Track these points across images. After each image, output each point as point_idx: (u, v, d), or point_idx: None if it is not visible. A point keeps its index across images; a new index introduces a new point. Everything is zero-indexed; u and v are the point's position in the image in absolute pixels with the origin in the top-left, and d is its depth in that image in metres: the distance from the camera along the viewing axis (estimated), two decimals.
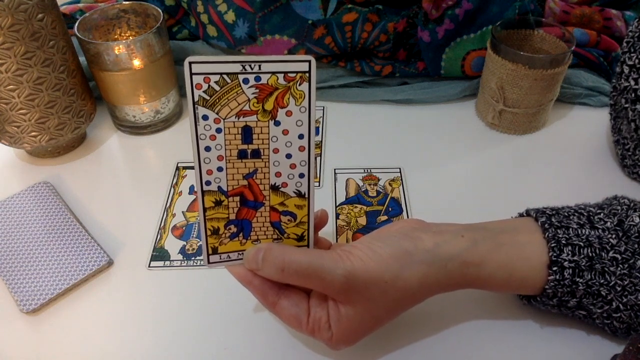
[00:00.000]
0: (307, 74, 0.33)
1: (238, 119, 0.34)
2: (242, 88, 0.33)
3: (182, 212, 0.53)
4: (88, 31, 0.60)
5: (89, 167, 0.59)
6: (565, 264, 0.37)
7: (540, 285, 0.38)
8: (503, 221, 0.42)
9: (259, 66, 0.32)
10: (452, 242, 0.38)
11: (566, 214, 0.40)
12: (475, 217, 0.52)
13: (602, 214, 0.39)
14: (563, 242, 0.38)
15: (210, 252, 0.37)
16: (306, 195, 0.36)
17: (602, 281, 0.37)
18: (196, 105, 0.33)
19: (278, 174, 0.35)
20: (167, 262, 0.49)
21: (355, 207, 0.53)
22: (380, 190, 0.55)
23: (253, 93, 0.33)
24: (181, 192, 0.56)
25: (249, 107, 0.33)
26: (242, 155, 0.34)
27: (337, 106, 0.66)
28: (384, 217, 0.52)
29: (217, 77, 0.32)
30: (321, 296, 0.37)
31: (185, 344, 0.43)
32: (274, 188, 0.36)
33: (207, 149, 0.34)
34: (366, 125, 0.64)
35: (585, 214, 0.39)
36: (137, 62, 0.57)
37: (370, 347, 0.42)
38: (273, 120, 0.34)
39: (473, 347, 0.42)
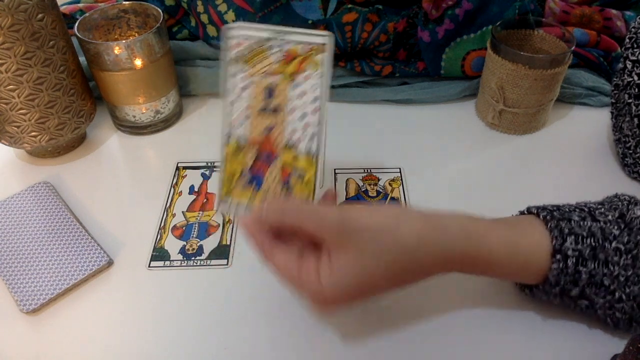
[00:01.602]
0: (325, 46, 0.40)
1: (264, 78, 0.40)
2: (270, 52, 0.39)
3: (182, 212, 0.53)
4: (88, 31, 0.60)
5: (89, 167, 0.59)
6: (569, 252, 0.37)
7: (543, 272, 0.38)
8: (503, 217, 0.42)
9: (285, 35, 0.39)
10: (454, 215, 0.38)
11: (567, 209, 0.40)
12: None
13: (602, 209, 0.39)
14: (566, 231, 0.38)
15: (222, 197, 0.41)
16: (315, 156, 0.40)
17: (605, 271, 0.37)
18: (229, 63, 0.39)
19: (292, 132, 0.40)
20: (167, 262, 0.49)
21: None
22: (380, 190, 0.55)
23: (278, 57, 0.39)
24: (181, 192, 0.56)
25: (274, 69, 0.40)
26: (263, 109, 0.40)
27: (337, 106, 0.66)
28: None
29: (249, 42, 0.39)
30: (316, 249, 0.37)
31: (185, 344, 0.43)
32: (288, 145, 0.40)
33: (234, 102, 0.40)
34: (366, 125, 0.64)
35: (586, 209, 0.40)
36: (137, 62, 0.57)
37: (367, 341, 0.42)
38: (293, 82, 0.39)
39: (474, 344, 0.42)
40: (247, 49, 0.39)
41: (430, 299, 0.45)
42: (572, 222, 0.38)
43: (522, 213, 0.43)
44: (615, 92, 0.54)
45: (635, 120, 0.51)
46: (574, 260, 0.37)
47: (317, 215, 0.36)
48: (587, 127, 0.62)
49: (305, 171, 0.40)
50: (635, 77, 0.50)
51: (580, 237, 0.37)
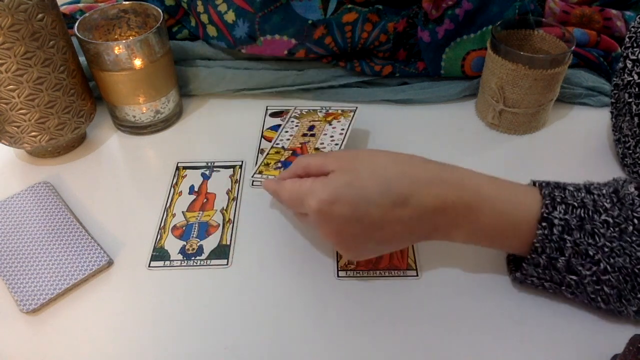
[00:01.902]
0: (353, 112, 0.59)
1: (309, 122, 0.59)
2: (317, 113, 0.61)
3: (182, 212, 0.53)
4: (88, 31, 0.60)
5: (89, 167, 0.59)
6: (555, 221, 0.38)
7: (529, 237, 0.39)
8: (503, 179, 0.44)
9: (330, 107, 0.62)
10: (454, 166, 0.43)
11: (564, 185, 0.41)
12: None
13: (598, 185, 0.41)
14: (558, 200, 0.39)
15: (257, 172, 0.55)
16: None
17: (590, 241, 0.38)
18: (291, 118, 0.61)
19: (322, 144, 0.55)
20: (167, 262, 0.49)
21: None
22: None
23: (323, 115, 0.60)
24: (181, 192, 0.56)
25: (318, 118, 0.60)
26: (305, 134, 0.57)
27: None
28: None
29: (306, 109, 0.63)
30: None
31: (185, 344, 0.43)
32: (317, 149, 0.55)
33: (285, 129, 0.59)
34: (366, 125, 0.64)
35: (582, 185, 0.41)
36: (137, 62, 0.57)
37: (368, 341, 0.42)
38: (329, 124, 0.58)
39: (473, 346, 0.42)
40: (303, 111, 0.62)
41: (429, 300, 0.45)
42: (567, 191, 0.40)
43: None
44: (615, 91, 0.54)
45: (636, 119, 0.51)
46: (560, 229, 0.38)
47: (323, 153, 0.43)
48: (587, 127, 0.62)
49: None
50: (636, 77, 0.50)
51: (570, 207, 0.39)
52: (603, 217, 0.38)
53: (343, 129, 0.56)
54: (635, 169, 0.54)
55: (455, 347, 0.42)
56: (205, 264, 0.49)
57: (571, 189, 0.40)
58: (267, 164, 0.54)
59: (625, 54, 0.51)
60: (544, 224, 0.39)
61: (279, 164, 0.54)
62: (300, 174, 0.45)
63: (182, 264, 0.49)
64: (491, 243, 0.42)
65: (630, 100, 0.51)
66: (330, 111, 0.58)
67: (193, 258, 0.49)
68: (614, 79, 0.54)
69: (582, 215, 0.38)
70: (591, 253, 0.38)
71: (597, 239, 0.38)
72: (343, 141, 0.54)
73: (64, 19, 0.55)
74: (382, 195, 0.39)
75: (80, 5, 0.70)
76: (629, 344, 0.37)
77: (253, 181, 0.55)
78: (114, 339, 0.43)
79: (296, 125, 0.57)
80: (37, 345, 0.43)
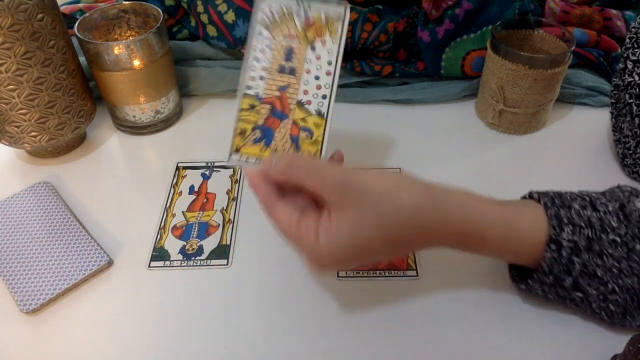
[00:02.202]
0: (343, 16, 0.44)
1: (285, 40, 0.44)
2: (293, 18, 0.44)
3: (182, 212, 0.53)
4: (88, 31, 0.60)
5: (89, 167, 0.59)
6: (564, 243, 0.38)
7: (537, 257, 0.39)
8: (506, 199, 0.43)
9: (309, 5, 0.44)
10: (452, 189, 0.39)
11: (569, 197, 0.40)
12: None
13: (603, 199, 0.40)
14: (565, 221, 0.38)
15: (233, 150, 0.43)
16: (325, 116, 0.43)
17: (599, 262, 0.37)
18: (257, 24, 0.43)
19: (305, 92, 0.43)
20: (167, 262, 0.49)
21: None
22: None
23: (300, 23, 0.44)
24: (181, 192, 0.56)
25: (296, 32, 0.44)
26: (281, 70, 0.43)
27: (337, 106, 0.66)
28: None
29: (277, 7, 0.44)
30: (317, 207, 0.39)
31: (185, 344, 0.43)
32: (300, 103, 0.43)
33: (256, 59, 0.43)
34: (366, 125, 0.64)
35: (587, 198, 0.40)
36: (137, 62, 0.57)
37: (367, 342, 0.42)
38: (310, 46, 0.43)
39: (473, 347, 0.42)
40: (275, 13, 0.44)
41: (429, 300, 0.45)
42: (572, 210, 0.39)
43: (524, 198, 0.43)
44: (615, 92, 0.54)
45: (636, 120, 0.51)
46: (569, 251, 0.38)
47: (321, 174, 0.37)
48: (587, 127, 0.62)
49: (314, 130, 0.42)
50: (636, 77, 0.50)
51: (578, 228, 0.38)
52: (611, 236, 0.37)
53: (331, 62, 0.43)
54: (635, 169, 0.54)
55: (455, 346, 0.42)
56: (205, 264, 0.48)
57: (577, 207, 0.39)
58: (243, 132, 0.43)
59: (625, 55, 0.51)
60: (552, 246, 0.38)
61: (257, 133, 0.43)
62: (290, 184, 0.40)
63: (182, 264, 0.49)
64: (495, 256, 0.42)
65: (631, 101, 0.51)
66: (310, 17, 0.44)
67: (193, 258, 0.49)
68: (614, 80, 0.54)
69: (590, 235, 0.37)
70: (599, 274, 0.37)
71: (606, 260, 0.37)
72: (331, 90, 0.43)
73: (64, 19, 0.55)
74: (387, 247, 0.38)
75: (80, 5, 0.70)
76: (629, 344, 0.37)
77: (230, 161, 0.44)
78: (114, 339, 0.43)
79: (267, 46, 0.43)
80: (37, 345, 0.43)
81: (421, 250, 0.40)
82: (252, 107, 0.43)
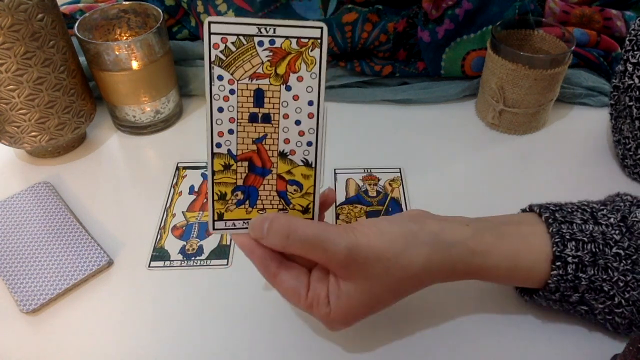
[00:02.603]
0: (319, 40, 0.34)
1: (251, 81, 0.34)
2: (257, 50, 0.34)
3: (182, 212, 0.53)
4: (88, 31, 0.60)
5: (89, 167, 0.59)
6: (569, 259, 0.37)
7: (544, 278, 0.38)
8: (506, 215, 0.42)
9: (274, 30, 0.33)
10: (457, 228, 0.38)
11: (569, 209, 0.40)
12: (476, 216, 0.52)
13: (605, 210, 0.39)
14: (567, 237, 0.38)
15: (215, 218, 0.37)
16: (313, 165, 0.37)
17: (604, 277, 0.37)
18: (212, 65, 0.34)
19: (287, 141, 0.36)
20: (167, 262, 0.49)
21: (355, 207, 0.53)
22: (380, 190, 0.55)
23: (267, 56, 0.34)
24: (181, 192, 0.56)
25: (263, 69, 0.34)
26: (253, 118, 0.35)
27: (337, 106, 0.66)
28: None
29: (234, 38, 0.33)
30: (323, 271, 0.37)
31: (185, 344, 0.43)
32: (282, 155, 0.36)
33: (220, 109, 0.35)
34: (366, 125, 0.64)
35: (588, 210, 0.40)
36: (137, 62, 0.57)
37: (369, 342, 0.42)
38: (284, 85, 0.34)
39: (473, 346, 0.42)
40: (231, 47, 0.33)
41: (429, 303, 0.45)
42: (574, 225, 0.38)
43: (523, 211, 0.43)
44: (614, 94, 0.54)
45: (636, 122, 0.51)
46: (574, 267, 0.37)
47: (324, 245, 0.34)
48: (587, 127, 0.62)
49: (303, 182, 0.37)
50: (636, 80, 0.50)
51: (581, 243, 0.37)
52: (614, 250, 0.37)
53: (312, 102, 0.35)
54: (635, 170, 0.54)
55: (455, 346, 0.42)
56: (205, 264, 0.48)
57: (578, 221, 0.38)
58: (222, 196, 0.36)
59: (625, 57, 0.51)
60: (558, 263, 0.37)
61: (239, 195, 0.36)
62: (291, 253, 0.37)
63: (182, 264, 0.49)
64: (503, 282, 0.42)
65: (631, 103, 0.51)
66: (276, 45, 0.34)
67: (193, 258, 0.49)
68: (614, 81, 0.54)
69: (594, 250, 0.37)
70: (606, 289, 0.37)
71: (612, 274, 0.37)
72: (317, 134, 0.36)
73: (64, 19, 0.55)
74: (398, 298, 0.38)
75: (80, 5, 0.70)
76: (629, 344, 0.37)
77: (215, 231, 0.38)
78: (114, 339, 0.43)
79: (230, 92, 0.34)
80: (37, 345, 0.43)
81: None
82: (227, 167, 0.35)
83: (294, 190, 0.37)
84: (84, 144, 0.62)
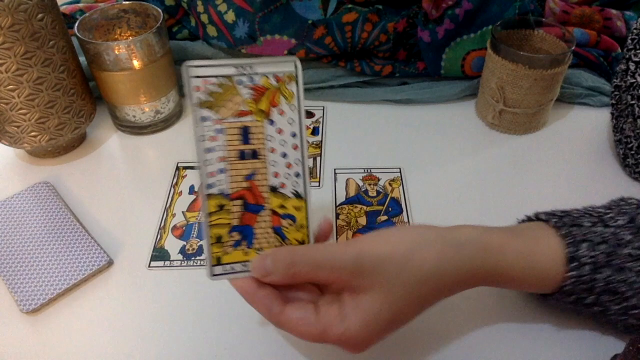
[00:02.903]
0: (294, 74, 0.36)
1: (236, 119, 0.35)
2: (237, 89, 0.35)
3: (182, 212, 0.53)
4: (88, 31, 0.60)
5: (89, 167, 0.59)
6: (584, 259, 0.37)
7: (558, 280, 0.38)
8: (513, 225, 0.41)
9: (251, 67, 0.35)
10: (465, 228, 0.37)
11: (576, 215, 0.39)
12: (476, 216, 0.52)
13: (612, 214, 0.39)
14: (579, 238, 0.37)
15: (213, 262, 0.36)
16: (303, 196, 0.37)
17: (620, 277, 0.37)
18: (196, 107, 0.34)
19: (276, 174, 0.36)
20: (167, 262, 0.49)
21: (355, 207, 0.53)
22: (380, 190, 0.55)
23: (248, 93, 0.35)
24: (181, 192, 0.56)
25: (246, 107, 0.35)
26: (241, 156, 0.36)
27: (337, 106, 0.66)
28: (384, 217, 0.52)
29: (214, 79, 0.34)
30: (332, 295, 0.36)
31: (185, 344, 0.43)
32: (273, 189, 0.36)
33: (208, 150, 0.35)
34: (366, 125, 0.64)
35: (595, 214, 0.39)
36: (137, 62, 0.57)
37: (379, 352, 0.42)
38: (268, 120, 0.36)
39: (474, 345, 0.42)
40: (213, 88, 0.35)
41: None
42: (584, 227, 0.38)
43: (529, 219, 0.42)
44: (616, 93, 0.54)
45: (639, 121, 0.51)
46: (590, 268, 0.37)
47: (330, 262, 0.33)
48: (587, 127, 0.62)
49: (296, 215, 0.37)
50: (639, 78, 0.50)
51: (593, 244, 0.37)
52: (627, 250, 0.37)
53: (295, 133, 0.36)
54: (637, 170, 0.54)
55: (454, 345, 0.42)
56: (205, 264, 0.48)
57: (587, 224, 0.38)
58: (219, 239, 0.36)
59: (627, 56, 0.51)
60: (573, 264, 0.37)
61: (235, 235, 0.36)
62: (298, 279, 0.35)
63: (182, 264, 0.49)
64: (518, 289, 0.42)
65: (633, 102, 0.51)
66: (256, 82, 0.35)
67: (193, 258, 0.49)
68: (614, 81, 0.54)
69: (607, 250, 0.37)
70: (622, 290, 0.37)
71: (627, 275, 0.37)
72: (303, 165, 0.37)
73: (64, 19, 0.55)
74: (418, 307, 0.36)
75: (80, 5, 0.70)
76: (629, 344, 0.37)
77: (214, 277, 0.37)
78: (114, 338, 0.43)
79: (217, 131, 0.35)
80: (37, 345, 0.43)
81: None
82: (221, 207, 0.36)
83: (289, 224, 0.37)
84: (84, 144, 0.62)
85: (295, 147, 0.36)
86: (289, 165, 0.36)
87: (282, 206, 0.36)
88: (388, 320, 0.34)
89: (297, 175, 0.36)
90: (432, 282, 0.35)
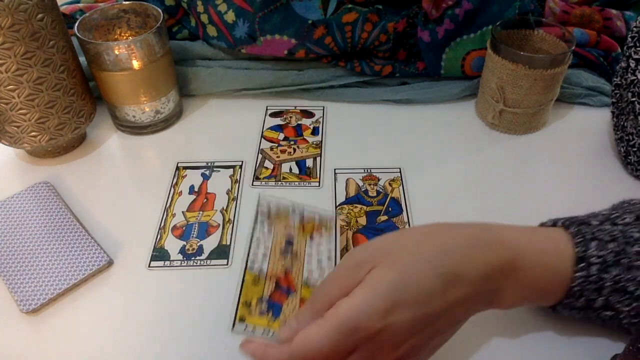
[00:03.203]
0: (334, 220, 0.47)
1: (285, 231, 0.45)
2: (290, 215, 0.46)
3: (182, 212, 0.53)
4: (88, 31, 0.60)
5: (89, 167, 0.59)
6: (592, 259, 0.37)
7: (567, 281, 0.37)
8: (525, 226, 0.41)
9: (303, 208, 0.47)
10: (475, 224, 0.37)
11: (582, 218, 0.39)
12: (476, 216, 0.52)
13: (617, 213, 0.39)
14: (588, 237, 0.37)
15: (237, 319, 0.39)
16: None
17: (629, 276, 0.36)
18: (258, 215, 0.45)
19: (310, 272, 0.42)
20: (167, 262, 0.49)
21: (355, 207, 0.53)
22: (380, 190, 0.55)
23: (297, 221, 0.46)
24: (181, 192, 0.56)
25: (294, 227, 0.45)
26: (283, 252, 0.43)
27: (337, 106, 0.66)
28: (384, 217, 0.52)
29: (275, 206, 0.46)
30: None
31: (185, 344, 0.43)
32: (306, 283, 0.41)
33: (258, 240, 0.43)
34: (366, 125, 0.64)
35: (601, 215, 0.39)
36: (137, 62, 0.57)
37: None
38: (310, 238, 0.45)
39: (473, 346, 0.42)
40: (274, 208, 0.46)
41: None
42: (592, 226, 0.38)
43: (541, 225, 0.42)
44: (616, 91, 0.54)
45: None
46: (597, 267, 0.37)
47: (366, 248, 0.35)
48: (587, 127, 0.62)
49: None
50: (639, 75, 0.50)
51: (602, 242, 0.37)
52: (636, 247, 0.37)
53: (330, 255, 0.44)
54: (639, 167, 0.54)
55: (454, 346, 0.42)
56: (205, 264, 0.48)
57: (595, 222, 0.38)
58: (248, 304, 0.39)
59: (628, 54, 0.51)
60: (581, 264, 0.37)
61: (265, 305, 0.39)
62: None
63: (182, 264, 0.49)
64: (531, 300, 0.40)
65: (634, 99, 0.51)
66: (305, 215, 0.46)
67: (193, 258, 0.49)
68: (615, 79, 0.54)
69: (616, 249, 0.37)
70: (631, 289, 0.36)
71: (636, 273, 0.36)
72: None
73: (64, 19, 0.55)
74: (435, 279, 0.33)
75: (80, 5, 0.70)
76: (629, 344, 0.37)
77: (234, 331, 0.38)
78: (114, 338, 0.43)
79: (268, 231, 0.44)
80: (37, 345, 0.43)
81: (471, 314, 0.37)
82: (256, 281, 0.40)
83: None
84: (84, 144, 0.62)
85: (330, 258, 0.43)
86: (323, 268, 0.42)
87: None
88: (401, 282, 0.32)
89: None
90: (438, 239, 0.35)
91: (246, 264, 0.41)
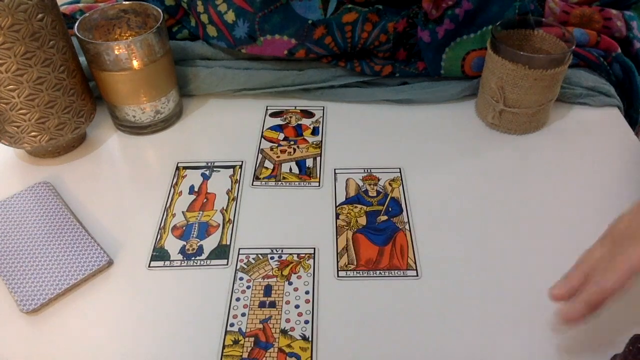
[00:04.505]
0: (313, 254, 0.48)
1: (263, 279, 0.47)
2: (269, 262, 0.48)
3: (182, 212, 0.53)
4: (88, 31, 0.60)
5: (89, 167, 0.59)
6: None
7: None
8: None
9: (282, 250, 0.49)
10: None
11: None
12: (476, 216, 0.52)
13: None
14: None
15: None
16: (310, 339, 0.42)
17: None
18: (237, 271, 0.47)
19: (288, 320, 0.44)
20: (167, 262, 0.49)
21: (355, 207, 0.53)
22: (380, 190, 0.55)
23: (276, 264, 0.48)
24: (181, 192, 0.56)
25: (272, 272, 0.47)
26: (262, 305, 0.45)
27: (337, 106, 0.66)
28: (384, 217, 0.52)
29: (254, 255, 0.49)
30: None
31: (184, 343, 0.43)
32: (283, 332, 0.43)
33: (237, 299, 0.45)
34: (366, 125, 0.64)
35: None
36: (137, 62, 0.57)
37: (366, 337, 0.42)
38: (287, 281, 0.46)
39: (473, 346, 0.42)
40: (252, 260, 0.48)
41: (429, 298, 0.45)
42: None
43: None
44: None
45: None
46: None
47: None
48: (587, 127, 0.62)
49: (301, 354, 0.41)
50: None
51: None
52: None
53: (308, 292, 0.46)
54: None
55: (454, 346, 0.42)
56: (205, 264, 0.48)
57: None
58: None
59: None
60: None
61: None
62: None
63: (182, 264, 0.49)
64: None
65: None
66: (284, 258, 0.48)
67: (193, 258, 0.49)
68: None
69: None
70: None
71: None
72: (312, 314, 0.44)
73: (64, 19, 0.55)
74: None
75: (80, 5, 0.70)
76: (629, 344, 0.37)
77: None
78: (114, 339, 0.43)
79: (247, 287, 0.46)
80: (37, 345, 0.43)
81: None
82: (236, 342, 0.42)
83: None
84: (84, 144, 0.62)
85: (307, 301, 0.45)
86: (299, 314, 0.44)
87: (289, 345, 0.42)
88: None
89: (307, 322, 0.43)
90: None
91: (226, 326, 0.43)
